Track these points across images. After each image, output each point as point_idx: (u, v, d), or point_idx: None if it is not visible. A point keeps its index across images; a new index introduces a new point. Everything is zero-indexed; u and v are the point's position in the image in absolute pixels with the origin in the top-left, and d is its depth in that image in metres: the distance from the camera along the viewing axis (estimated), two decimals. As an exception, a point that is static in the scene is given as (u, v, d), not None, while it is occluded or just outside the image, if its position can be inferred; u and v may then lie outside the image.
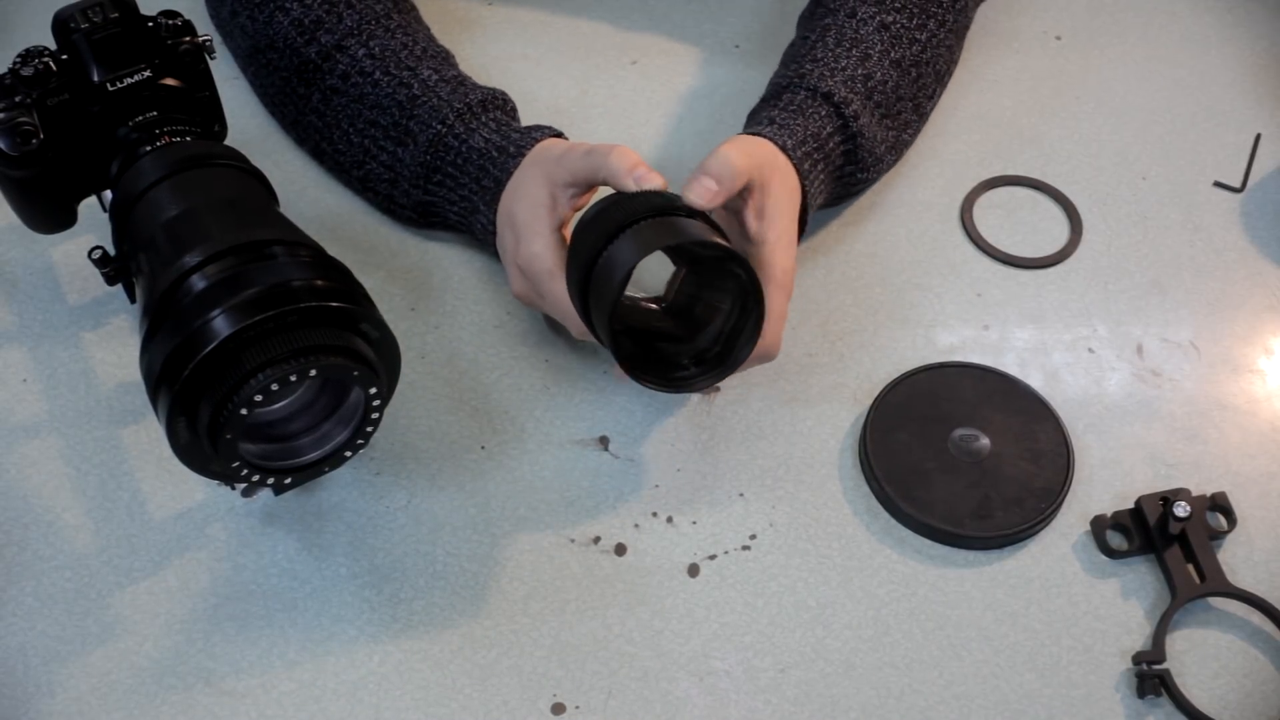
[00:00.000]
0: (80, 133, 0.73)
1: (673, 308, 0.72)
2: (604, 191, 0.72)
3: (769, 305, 0.69)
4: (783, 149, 0.76)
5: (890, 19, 0.85)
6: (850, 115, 0.80)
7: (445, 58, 0.86)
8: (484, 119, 0.81)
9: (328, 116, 0.85)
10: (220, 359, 0.60)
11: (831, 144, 0.80)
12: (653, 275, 0.75)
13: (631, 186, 0.69)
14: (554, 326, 0.81)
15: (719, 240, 0.66)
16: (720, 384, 0.78)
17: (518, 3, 1.01)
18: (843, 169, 0.82)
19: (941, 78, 0.90)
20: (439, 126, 0.80)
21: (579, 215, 0.72)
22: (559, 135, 0.80)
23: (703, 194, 0.69)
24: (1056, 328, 0.82)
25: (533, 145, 0.77)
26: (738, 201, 0.72)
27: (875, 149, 0.83)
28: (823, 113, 0.80)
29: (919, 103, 0.87)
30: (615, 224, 0.67)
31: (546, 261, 0.72)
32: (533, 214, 0.73)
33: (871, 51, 0.83)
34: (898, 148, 0.86)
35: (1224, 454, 0.77)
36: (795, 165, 0.76)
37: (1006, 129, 0.94)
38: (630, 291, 0.70)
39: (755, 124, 0.81)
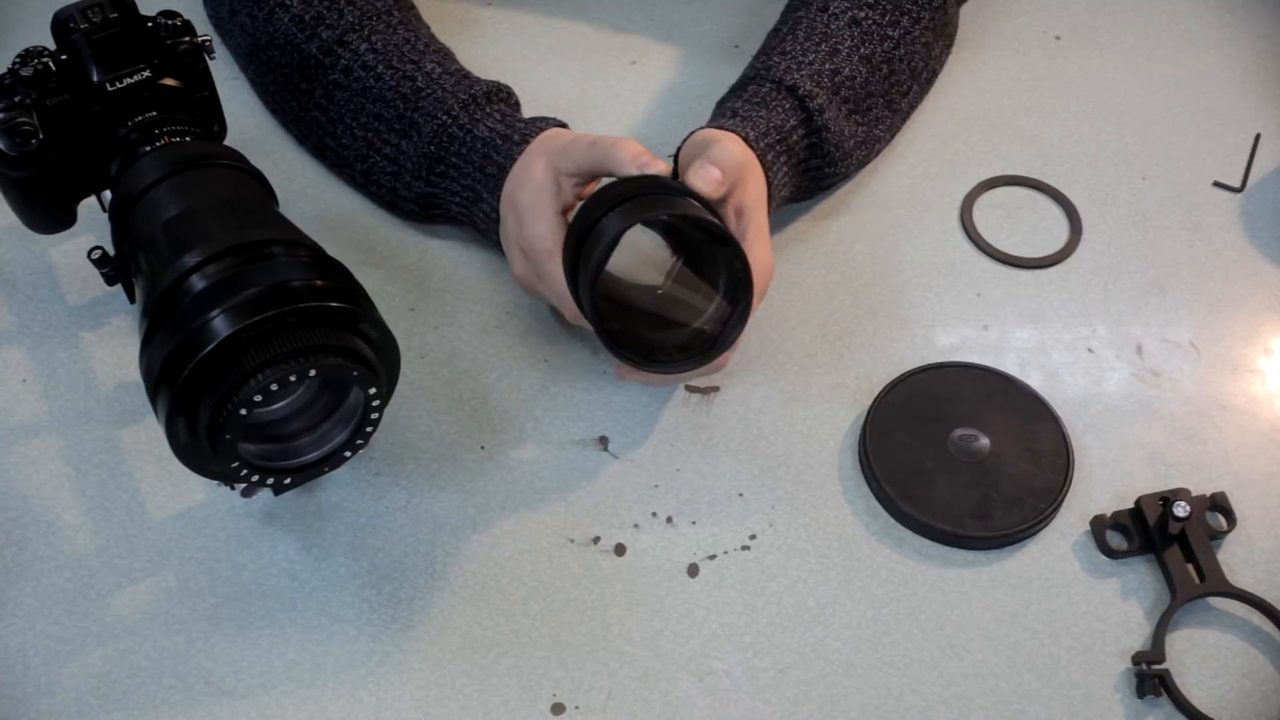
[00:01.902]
0: (80, 133, 0.73)
1: (667, 297, 0.72)
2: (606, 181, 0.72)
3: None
4: (745, 140, 0.76)
5: (862, 15, 0.85)
6: (815, 109, 0.81)
7: (447, 53, 0.86)
8: (488, 110, 0.81)
9: (331, 111, 0.85)
10: (220, 359, 0.60)
11: (795, 137, 0.80)
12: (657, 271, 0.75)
13: (635, 174, 0.70)
14: (556, 314, 0.81)
15: (712, 218, 0.66)
16: (719, 384, 0.78)
17: (518, 3, 1.01)
18: (807, 162, 0.82)
19: (918, 75, 0.90)
20: (444, 117, 0.80)
21: (580, 203, 0.72)
22: (562, 125, 0.80)
23: (710, 182, 0.69)
24: (1056, 328, 0.82)
25: (537, 134, 0.78)
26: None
27: (843, 144, 0.83)
28: (786, 105, 0.80)
29: (891, 99, 0.87)
30: (611, 200, 0.67)
31: (547, 242, 0.73)
32: (536, 197, 0.73)
33: (841, 46, 0.84)
34: (869, 143, 0.86)
35: (1224, 454, 0.77)
36: (758, 157, 0.76)
37: (1006, 129, 0.94)
38: (627, 278, 0.70)
39: (720, 115, 0.81)
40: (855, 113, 0.84)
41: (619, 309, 0.70)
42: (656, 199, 0.67)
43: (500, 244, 0.79)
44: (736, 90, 0.84)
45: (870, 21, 0.85)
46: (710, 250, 0.69)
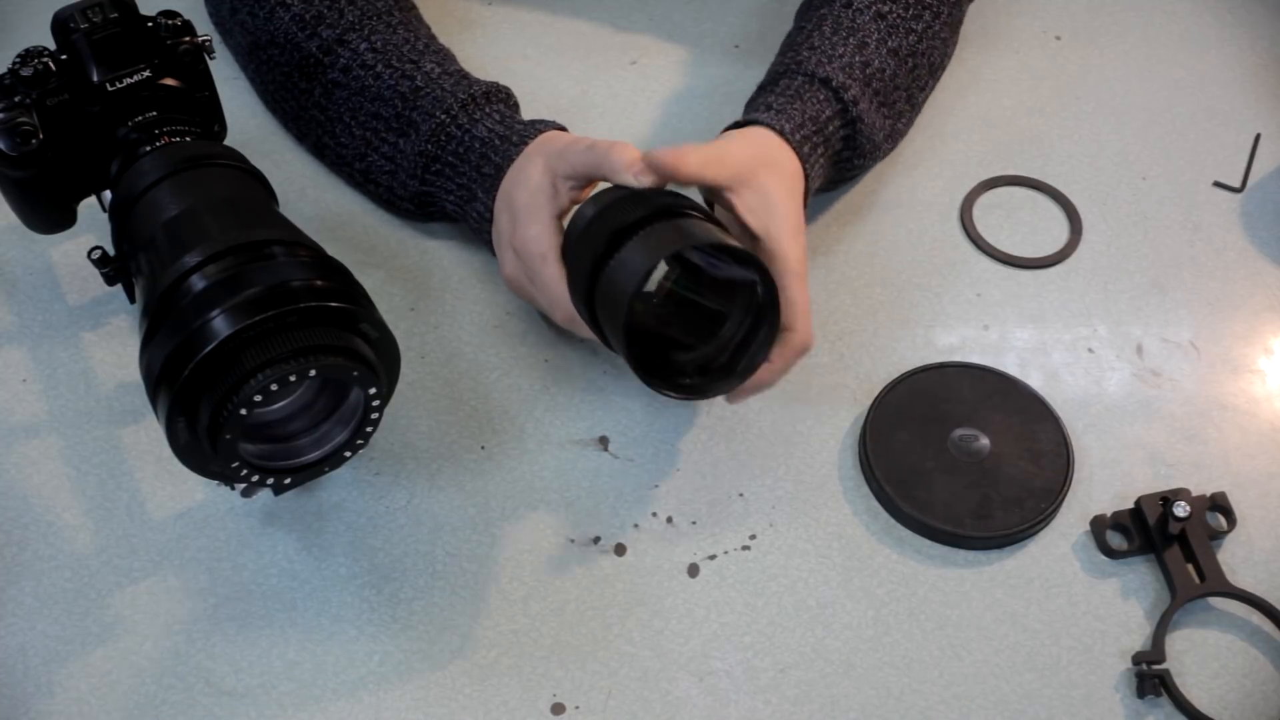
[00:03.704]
0: (80, 133, 0.73)
1: (669, 306, 0.71)
2: (603, 186, 0.72)
3: (791, 295, 0.68)
4: (781, 133, 0.76)
5: (886, 9, 0.85)
6: (850, 100, 0.81)
7: (446, 54, 0.86)
8: (487, 110, 0.81)
9: (329, 110, 0.85)
10: (220, 359, 0.60)
11: (831, 128, 0.80)
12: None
13: (631, 183, 0.69)
14: (544, 316, 0.81)
15: (736, 243, 0.65)
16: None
17: (518, 3, 1.01)
18: (840, 154, 0.82)
19: (935, 70, 0.90)
20: (442, 116, 0.80)
21: (577, 208, 0.72)
22: (561, 129, 0.80)
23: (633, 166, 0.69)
24: (1056, 328, 0.82)
25: (536, 135, 0.78)
26: (727, 201, 0.72)
27: (874, 136, 0.83)
28: (821, 97, 0.80)
29: (912, 94, 0.88)
30: (622, 224, 0.66)
31: (542, 245, 0.72)
32: (532, 199, 0.73)
33: (869, 40, 0.84)
34: (893, 137, 0.87)
35: (1224, 454, 0.77)
36: (795, 149, 0.76)
37: (1006, 129, 0.94)
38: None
39: (753, 110, 0.81)
40: (884, 105, 0.84)
41: (631, 326, 0.68)
42: (675, 225, 0.66)
43: (491, 244, 0.79)
44: (766, 86, 0.83)
45: (895, 15, 0.85)
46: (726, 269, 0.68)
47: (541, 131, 0.78)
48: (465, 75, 0.84)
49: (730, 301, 0.68)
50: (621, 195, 0.69)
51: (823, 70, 0.81)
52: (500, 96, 0.83)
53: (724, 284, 0.68)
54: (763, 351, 0.68)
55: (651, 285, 0.72)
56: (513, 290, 0.78)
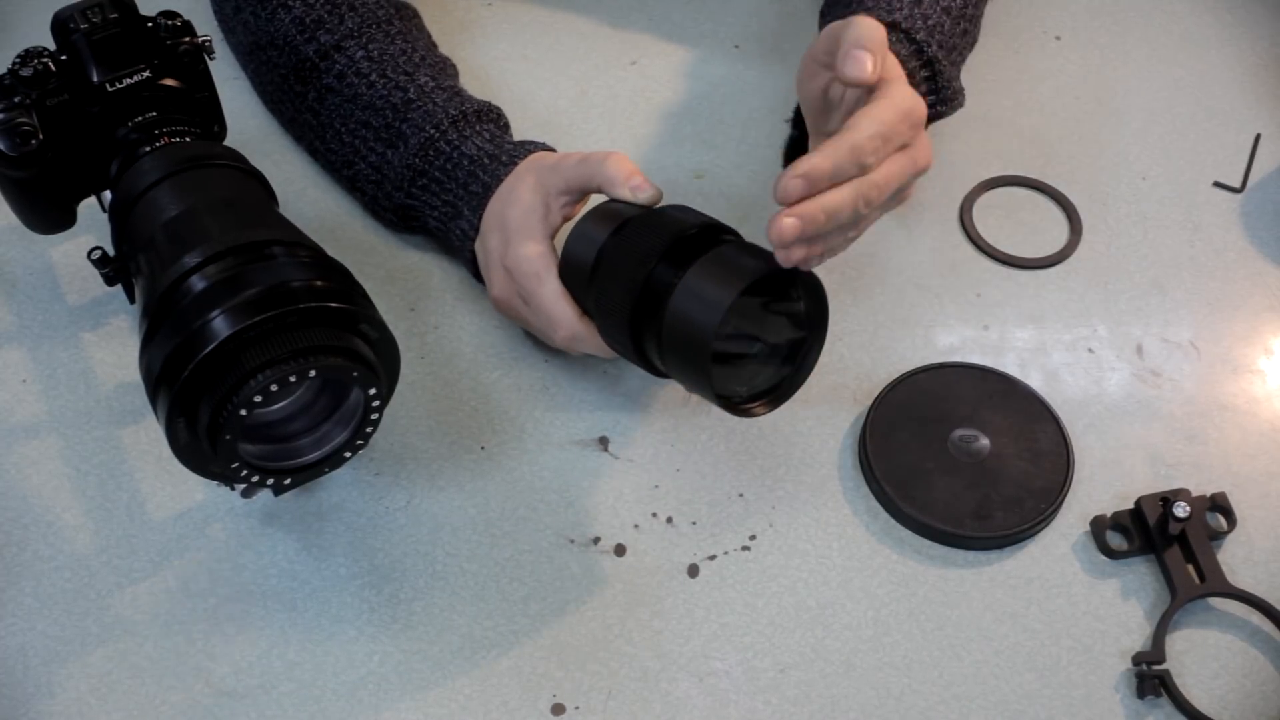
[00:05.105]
0: (80, 133, 0.73)
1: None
2: (595, 200, 0.72)
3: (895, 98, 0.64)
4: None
5: None
6: (923, 41, 0.78)
7: (443, 68, 0.86)
8: (478, 128, 0.80)
9: (321, 115, 0.85)
10: (220, 360, 0.60)
11: (911, 66, 0.78)
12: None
13: (627, 195, 0.69)
14: (530, 335, 0.80)
15: (779, 264, 0.64)
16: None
17: (518, 3, 1.01)
18: (926, 96, 0.79)
19: (972, 44, 0.88)
20: (432, 131, 0.80)
21: (572, 223, 0.72)
22: (551, 150, 0.79)
23: (863, 67, 0.64)
24: (1056, 328, 0.82)
25: (526, 155, 0.77)
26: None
27: (951, 82, 0.80)
28: (893, 38, 0.77)
29: (963, 55, 0.85)
30: (663, 247, 0.65)
31: (536, 265, 0.72)
32: (525, 219, 0.73)
33: None
34: (958, 95, 0.83)
35: (1224, 454, 0.77)
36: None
37: (1006, 129, 0.94)
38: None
39: None
40: (948, 53, 0.82)
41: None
42: (720, 256, 0.64)
43: (473, 262, 0.79)
44: None
45: None
46: (782, 288, 0.67)
47: (531, 152, 0.78)
48: (459, 91, 0.83)
49: (765, 320, 0.68)
50: (635, 214, 0.68)
51: (891, 16, 0.78)
52: (491, 116, 0.82)
53: (763, 307, 0.68)
54: (815, 352, 0.67)
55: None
56: (501, 311, 0.77)
